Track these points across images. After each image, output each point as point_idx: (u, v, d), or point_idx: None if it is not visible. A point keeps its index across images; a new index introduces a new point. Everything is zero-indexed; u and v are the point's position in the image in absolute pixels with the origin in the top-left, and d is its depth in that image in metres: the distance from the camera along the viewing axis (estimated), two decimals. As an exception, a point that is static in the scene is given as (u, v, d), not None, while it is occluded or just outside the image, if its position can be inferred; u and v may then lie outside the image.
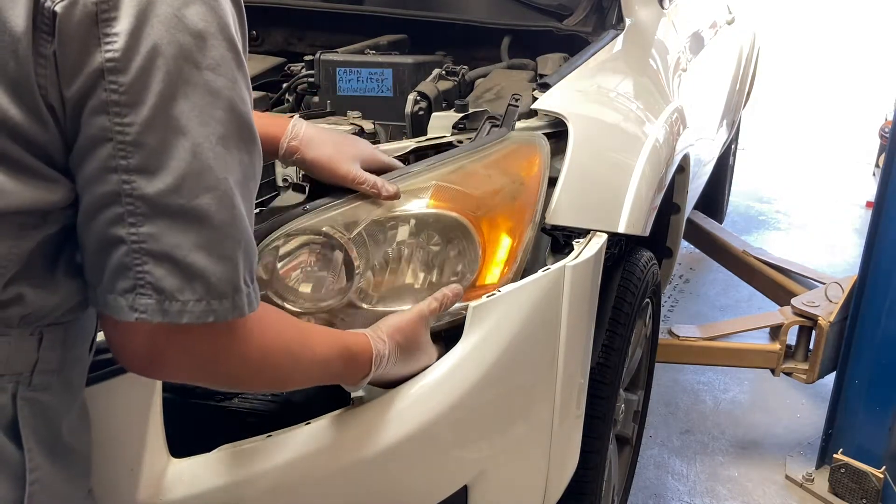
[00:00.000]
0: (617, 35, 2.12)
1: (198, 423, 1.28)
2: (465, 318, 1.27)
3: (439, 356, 1.25)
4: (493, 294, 1.27)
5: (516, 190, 1.39)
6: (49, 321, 0.84)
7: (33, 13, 0.73)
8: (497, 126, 1.48)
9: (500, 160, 1.42)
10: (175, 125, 0.76)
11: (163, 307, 0.78)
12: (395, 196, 1.26)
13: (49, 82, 0.75)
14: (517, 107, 1.51)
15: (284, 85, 2.05)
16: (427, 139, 1.57)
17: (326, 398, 1.27)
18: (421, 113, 1.78)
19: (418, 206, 1.31)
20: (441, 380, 1.23)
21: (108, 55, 0.74)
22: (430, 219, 1.31)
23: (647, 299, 1.98)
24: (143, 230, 0.77)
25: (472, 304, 1.26)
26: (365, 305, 1.27)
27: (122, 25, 0.73)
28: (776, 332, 2.60)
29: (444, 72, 1.96)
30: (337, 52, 2.06)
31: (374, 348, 1.11)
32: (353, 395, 1.27)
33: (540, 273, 1.34)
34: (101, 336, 1.08)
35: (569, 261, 1.40)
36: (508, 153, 1.44)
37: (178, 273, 0.78)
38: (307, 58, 2.06)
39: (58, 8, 0.73)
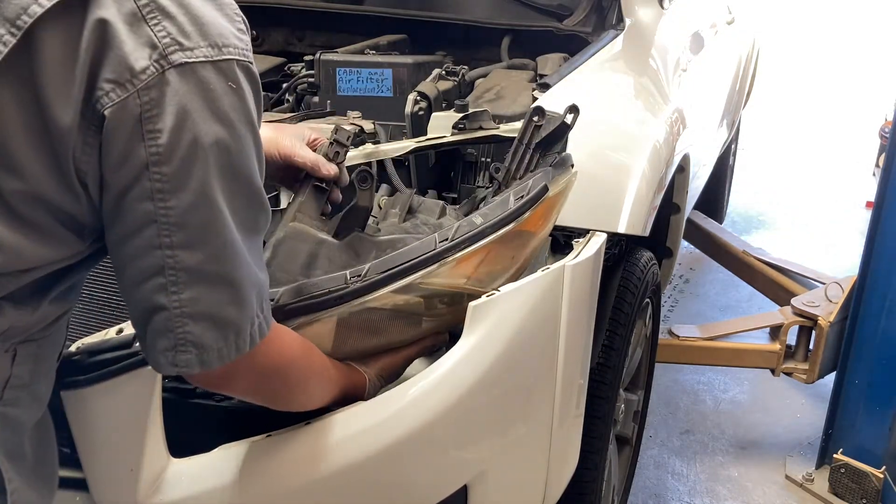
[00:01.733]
0: (617, 35, 2.12)
1: (197, 423, 1.28)
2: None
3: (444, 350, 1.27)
4: (492, 294, 1.27)
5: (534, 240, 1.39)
6: (24, 338, 0.88)
7: (82, 109, 0.80)
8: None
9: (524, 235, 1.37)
10: (211, 205, 0.84)
11: (201, 359, 0.88)
12: (335, 175, 1.28)
13: (90, 167, 0.82)
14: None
15: (284, 85, 2.05)
16: (427, 139, 1.57)
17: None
18: (421, 113, 1.78)
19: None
20: (441, 380, 1.23)
21: (153, 149, 0.81)
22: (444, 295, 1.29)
23: (647, 299, 1.98)
24: (184, 296, 0.86)
25: (472, 303, 1.26)
26: None
27: (166, 122, 0.80)
28: (776, 332, 2.60)
29: (444, 72, 1.96)
30: (337, 52, 2.06)
31: (370, 387, 1.22)
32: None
33: (539, 273, 1.34)
34: (91, 339, 1.09)
35: (568, 260, 1.40)
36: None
37: (214, 327, 0.88)
38: (307, 58, 2.06)
39: (107, 112, 0.80)
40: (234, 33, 0.86)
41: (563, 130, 1.40)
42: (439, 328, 1.30)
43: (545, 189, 1.30)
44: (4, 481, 0.86)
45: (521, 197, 1.28)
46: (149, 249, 0.84)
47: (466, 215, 1.62)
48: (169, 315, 0.86)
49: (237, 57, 0.85)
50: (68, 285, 0.92)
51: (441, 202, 1.43)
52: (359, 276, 1.18)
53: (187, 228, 0.84)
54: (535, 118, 1.39)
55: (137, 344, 1.09)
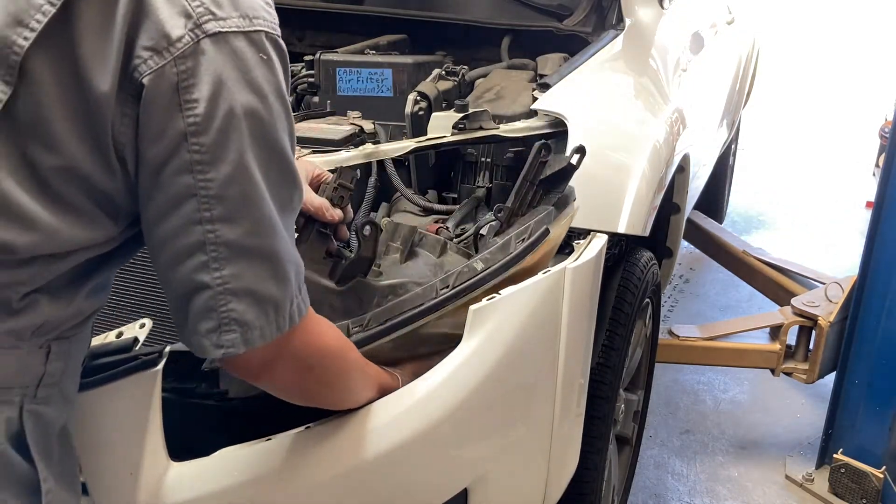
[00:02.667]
0: (617, 35, 2.12)
1: (197, 425, 1.28)
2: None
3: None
4: (493, 297, 1.27)
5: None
6: (57, 334, 0.87)
7: (120, 78, 0.79)
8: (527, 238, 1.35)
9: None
10: (249, 177, 0.84)
11: (245, 337, 0.87)
12: (339, 220, 1.29)
13: (128, 139, 0.81)
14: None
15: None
16: (427, 139, 1.57)
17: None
18: (421, 113, 1.77)
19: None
20: (441, 383, 1.23)
21: (191, 119, 0.81)
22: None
23: (647, 299, 1.98)
24: (227, 272, 0.85)
25: (473, 307, 1.25)
26: None
27: (202, 92, 0.81)
28: (776, 332, 2.60)
29: (444, 72, 1.96)
30: (337, 52, 2.06)
31: (399, 384, 1.22)
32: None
33: (540, 275, 1.34)
34: (94, 340, 1.09)
35: (569, 263, 1.39)
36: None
37: (256, 304, 0.87)
38: (307, 58, 2.06)
39: (145, 80, 0.80)
40: (263, 6, 0.87)
41: (568, 171, 1.39)
42: None
43: (546, 232, 1.31)
44: (39, 481, 0.85)
45: (523, 240, 1.30)
46: (188, 226, 0.84)
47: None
48: (212, 293, 0.85)
49: (267, 29, 0.86)
50: (100, 281, 0.92)
51: (442, 238, 1.43)
52: (360, 325, 1.20)
53: (227, 201, 0.83)
54: (542, 154, 1.38)
55: (137, 348, 1.09)
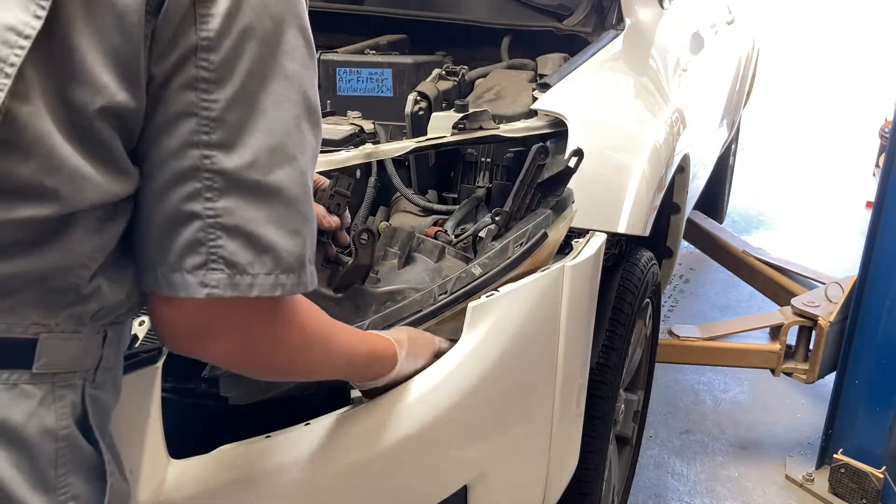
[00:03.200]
0: (617, 35, 2.12)
1: (197, 423, 1.28)
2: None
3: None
4: (492, 294, 1.27)
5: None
6: (111, 319, 0.86)
7: None
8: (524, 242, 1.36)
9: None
10: (256, 104, 0.80)
11: (234, 281, 0.80)
12: (336, 227, 1.29)
13: (147, 62, 0.77)
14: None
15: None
16: (427, 139, 1.57)
17: (326, 398, 1.27)
18: (421, 113, 1.78)
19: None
20: (441, 381, 1.23)
21: (203, 34, 0.77)
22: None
23: (647, 299, 1.98)
24: (220, 204, 0.79)
25: (472, 304, 1.26)
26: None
27: (220, 7, 0.77)
28: (776, 332, 2.60)
29: (444, 72, 1.96)
30: (337, 52, 2.06)
31: (398, 353, 1.15)
32: (352, 394, 1.27)
33: (539, 273, 1.34)
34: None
35: (568, 261, 1.40)
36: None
37: (251, 246, 0.80)
38: (307, 58, 2.06)
39: None
40: None
41: (566, 174, 1.38)
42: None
43: (545, 236, 1.31)
44: (104, 465, 0.84)
45: (521, 244, 1.31)
46: (184, 148, 0.78)
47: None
48: (202, 225, 0.79)
49: None
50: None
51: (440, 243, 1.44)
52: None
53: (228, 126, 0.79)
54: (539, 158, 1.37)
55: (136, 345, 1.09)
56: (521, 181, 1.38)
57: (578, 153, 1.36)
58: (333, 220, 1.26)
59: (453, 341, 1.27)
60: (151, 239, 0.82)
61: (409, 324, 1.24)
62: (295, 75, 0.83)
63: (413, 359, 1.19)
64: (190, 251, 0.80)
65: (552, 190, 1.39)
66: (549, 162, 1.37)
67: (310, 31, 0.86)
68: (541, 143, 1.42)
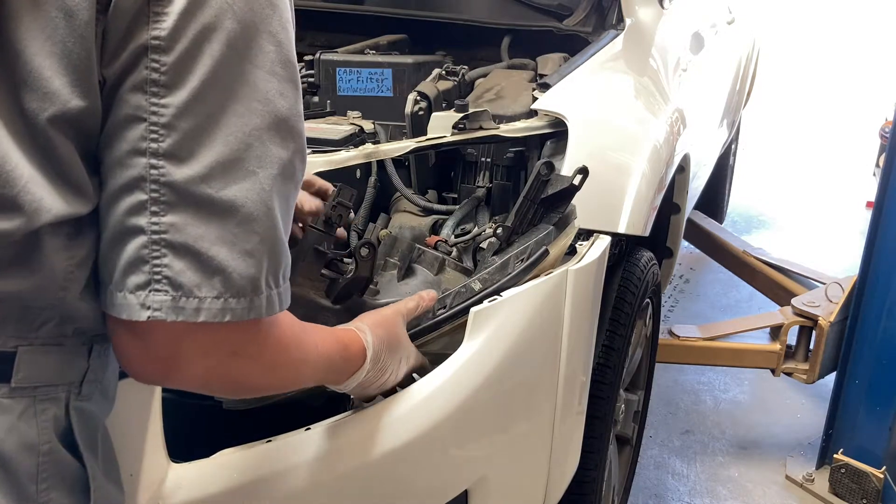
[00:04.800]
0: (617, 35, 2.12)
1: (198, 426, 1.28)
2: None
3: (420, 371, 1.24)
4: (494, 299, 1.27)
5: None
6: (96, 332, 0.82)
7: None
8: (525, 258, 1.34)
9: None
10: (212, 112, 0.73)
11: (178, 304, 0.73)
12: (338, 239, 1.27)
13: (99, 64, 0.72)
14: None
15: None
16: (427, 139, 1.57)
17: (327, 402, 1.27)
18: (421, 113, 1.77)
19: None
20: (442, 386, 1.22)
21: (155, 32, 0.71)
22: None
23: (647, 299, 1.98)
24: (166, 219, 0.72)
25: (474, 309, 1.25)
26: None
27: (176, 6, 0.72)
28: (776, 332, 2.60)
29: (444, 72, 1.96)
30: (337, 52, 2.06)
31: (364, 340, 1.08)
32: (353, 398, 1.27)
33: (542, 277, 1.33)
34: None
35: (571, 265, 1.39)
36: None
37: (198, 267, 0.74)
38: (307, 58, 2.06)
39: None
40: None
41: (570, 192, 1.37)
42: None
43: (546, 253, 1.31)
44: (88, 479, 0.81)
45: (522, 260, 1.30)
46: (131, 156, 0.72)
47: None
48: (146, 241, 0.72)
49: None
50: None
51: (440, 255, 1.43)
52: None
53: (179, 134, 0.72)
54: (543, 173, 1.36)
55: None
56: (524, 196, 1.37)
57: (583, 171, 1.34)
58: (340, 234, 1.23)
59: (446, 355, 1.26)
60: (102, 252, 0.76)
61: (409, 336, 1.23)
62: (261, 84, 0.76)
63: (383, 343, 1.12)
64: (133, 269, 0.73)
65: (555, 206, 1.39)
66: (553, 178, 1.36)
67: (287, 41, 0.79)
68: (546, 160, 1.41)
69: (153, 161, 0.72)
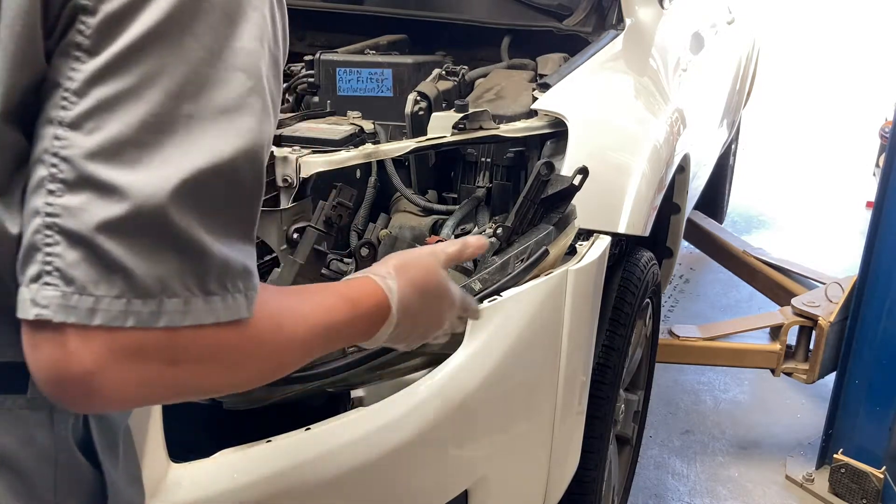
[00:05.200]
0: (617, 35, 2.12)
1: (198, 426, 1.28)
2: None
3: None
4: (494, 299, 1.27)
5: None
6: None
7: None
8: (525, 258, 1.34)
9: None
10: (131, 83, 0.64)
11: (69, 302, 0.62)
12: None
13: (43, 39, 0.64)
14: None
15: (284, 85, 2.05)
16: (427, 139, 1.57)
17: (326, 402, 1.27)
18: (421, 113, 1.77)
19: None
20: (442, 385, 1.22)
21: None
22: None
23: (647, 299, 1.98)
24: (62, 201, 0.62)
25: None
26: None
27: None
28: (776, 332, 2.60)
29: (444, 72, 1.96)
30: (337, 52, 2.06)
31: (384, 286, 0.92)
32: (352, 395, 1.27)
33: (542, 278, 1.34)
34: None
35: (571, 265, 1.39)
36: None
37: (95, 261, 0.62)
38: (307, 58, 2.06)
39: None
40: None
41: (570, 192, 1.37)
42: None
43: (546, 253, 1.31)
44: (105, 486, 0.78)
45: (522, 260, 1.30)
46: (43, 124, 0.64)
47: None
48: (40, 224, 0.62)
49: None
50: None
51: None
52: (356, 345, 1.19)
53: (87, 101, 0.63)
54: (543, 173, 1.36)
55: None
56: (524, 197, 1.37)
57: (583, 171, 1.35)
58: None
59: (445, 355, 1.26)
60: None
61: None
62: (203, 55, 0.66)
63: (415, 288, 0.95)
64: (28, 258, 0.63)
65: (555, 206, 1.39)
66: (553, 178, 1.37)
67: (244, 21, 0.69)
68: (546, 160, 1.41)
69: (58, 131, 0.63)
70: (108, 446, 0.81)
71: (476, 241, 1.09)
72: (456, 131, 1.56)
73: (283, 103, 2.01)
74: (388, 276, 0.93)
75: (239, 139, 0.68)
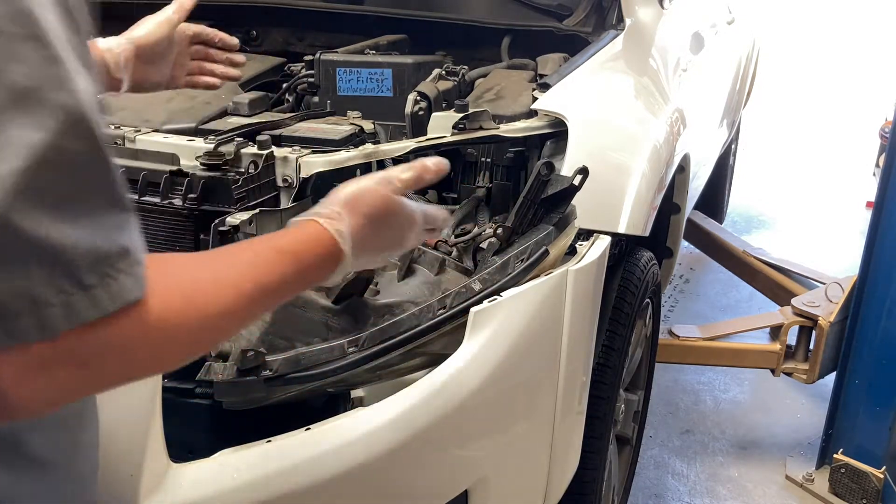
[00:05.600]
0: (617, 35, 2.12)
1: (198, 426, 1.28)
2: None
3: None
4: (494, 299, 1.27)
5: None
6: None
7: None
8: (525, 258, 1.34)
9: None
10: None
11: None
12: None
13: None
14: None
15: (284, 85, 2.05)
16: (427, 139, 1.57)
17: (326, 402, 1.27)
18: (421, 113, 1.77)
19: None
20: (442, 386, 1.22)
21: None
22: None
23: (647, 299, 1.98)
24: None
25: (474, 309, 1.25)
26: None
27: None
28: (776, 332, 2.60)
29: (444, 72, 1.96)
30: (337, 52, 2.06)
31: (333, 231, 0.88)
32: (352, 395, 1.27)
33: (542, 278, 1.34)
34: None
35: (571, 265, 1.39)
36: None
37: None
38: (307, 58, 2.06)
39: None
40: None
41: (570, 192, 1.37)
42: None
43: (546, 253, 1.31)
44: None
45: (522, 260, 1.30)
46: None
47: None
48: None
49: None
50: None
51: (440, 255, 1.43)
52: (356, 345, 1.19)
53: None
54: (543, 173, 1.35)
55: None
56: (524, 197, 1.37)
57: (583, 171, 1.34)
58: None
59: (445, 355, 1.26)
60: None
61: (407, 339, 1.22)
62: None
63: (367, 220, 0.91)
64: None
65: (555, 206, 1.39)
66: (553, 178, 1.37)
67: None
68: (546, 160, 1.41)
69: None
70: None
71: (434, 163, 1.02)
72: (456, 131, 1.56)
73: (283, 103, 2.01)
74: (336, 217, 0.89)
75: (53, 117, 0.60)
